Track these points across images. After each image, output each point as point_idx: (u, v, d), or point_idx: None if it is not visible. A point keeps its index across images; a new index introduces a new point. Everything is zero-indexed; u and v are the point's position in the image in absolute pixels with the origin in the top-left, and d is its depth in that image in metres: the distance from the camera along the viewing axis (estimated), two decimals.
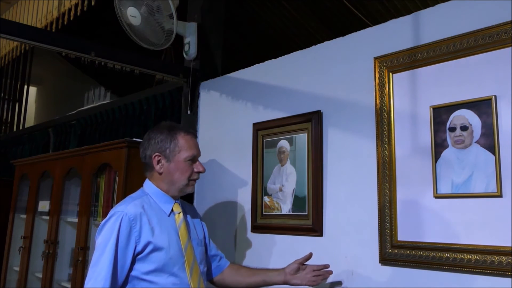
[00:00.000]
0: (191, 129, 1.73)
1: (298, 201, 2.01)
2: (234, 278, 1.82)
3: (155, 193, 1.64)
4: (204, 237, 1.81)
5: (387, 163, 1.69)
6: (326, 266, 1.72)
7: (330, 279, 1.83)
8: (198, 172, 1.67)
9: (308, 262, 1.74)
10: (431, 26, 1.66)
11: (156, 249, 1.52)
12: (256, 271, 1.82)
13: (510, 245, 1.37)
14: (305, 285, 1.70)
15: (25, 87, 6.42)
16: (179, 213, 1.65)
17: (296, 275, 1.71)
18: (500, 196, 1.41)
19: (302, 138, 2.03)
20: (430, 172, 1.57)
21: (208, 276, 1.80)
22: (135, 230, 1.51)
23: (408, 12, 1.80)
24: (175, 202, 1.66)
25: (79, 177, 2.81)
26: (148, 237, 1.52)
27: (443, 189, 1.54)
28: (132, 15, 2.35)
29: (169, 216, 1.62)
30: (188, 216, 1.74)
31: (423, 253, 1.56)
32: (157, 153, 1.62)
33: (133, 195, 1.66)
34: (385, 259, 1.66)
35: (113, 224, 1.50)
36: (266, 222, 2.14)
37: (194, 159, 1.66)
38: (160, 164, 1.63)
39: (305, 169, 1.99)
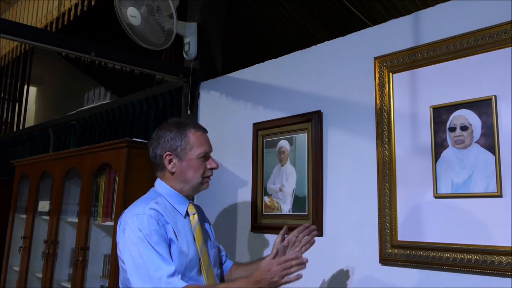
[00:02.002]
0: (200, 124, 1.66)
1: (298, 201, 2.01)
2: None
3: (169, 193, 1.56)
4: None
5: (387, 163, 1.69)
6: (306, 226, 1.59)
7: (330, 279, 1.83)
8: (212, 169, 1.61)
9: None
10: (431, 26, 1.66)
11: (177, 251, 1.46)
12: (249, 269, 1.72)
13: (510, 245, 1.37)
14: (302, 253, 1.54)
15: (25, 87, 6.43)
16: (194, 214, 1.59)
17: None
18: (500, 196, 1.41)
19: (302, 138, 2.03)
20: (430, 172, 1.57)
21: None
22: (162, 230, 1.44)
23: (408, 12, 1.80)
24: (189, 203, 1.60)
25: (79, 177, 2.81)
26: (172, 236, 1.46)
27: (443, 189, 1.54)
28: (132, 15, 2.35)
29: (184, 218, 1.56)
30: (200, 218, 1.66)
31: (423, 253, 1.56)
32: (168, 152, 1.55)
33: (146, 196, 1.59)
34: (385, 259, 1.66)
35: (140, 223, 1.41)
36: (266, 222, 2.14)
37: (206, 155, 1.59)
38: (172, 164, 1.55)
39: (305, 169, 1.99)
